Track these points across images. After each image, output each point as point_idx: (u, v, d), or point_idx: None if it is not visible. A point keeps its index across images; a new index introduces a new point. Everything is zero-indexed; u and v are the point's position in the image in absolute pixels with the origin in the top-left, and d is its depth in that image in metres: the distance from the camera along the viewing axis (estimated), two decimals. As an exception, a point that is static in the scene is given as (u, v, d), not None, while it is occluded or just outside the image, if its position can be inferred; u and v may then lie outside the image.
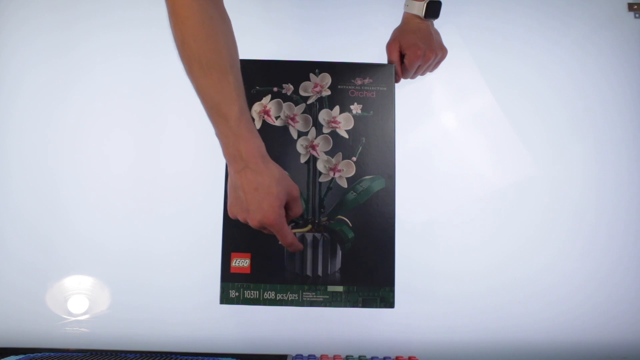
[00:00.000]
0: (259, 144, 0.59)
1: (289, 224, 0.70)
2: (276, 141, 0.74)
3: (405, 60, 0.74)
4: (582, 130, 0.82)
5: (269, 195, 0.58)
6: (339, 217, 0.73)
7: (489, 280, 0.77)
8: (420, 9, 0.74)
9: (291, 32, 0.83)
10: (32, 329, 0.75)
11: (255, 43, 0.81)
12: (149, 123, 0.81)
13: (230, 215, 0.62)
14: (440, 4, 0.74)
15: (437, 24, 0.78)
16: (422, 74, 0.77)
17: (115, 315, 0.76)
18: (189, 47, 0.56)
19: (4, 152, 0.80)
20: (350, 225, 0.72)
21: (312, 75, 0.76)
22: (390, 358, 0.70)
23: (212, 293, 0.73)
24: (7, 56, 0.83)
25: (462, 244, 0.78)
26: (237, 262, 0.71)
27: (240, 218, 0.61)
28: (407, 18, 0.76)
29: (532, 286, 0.77)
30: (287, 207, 0.62)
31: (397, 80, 0.76)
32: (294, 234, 0.71)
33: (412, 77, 0.77)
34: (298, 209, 0.63)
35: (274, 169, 0.60)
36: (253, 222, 0.60)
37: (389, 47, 0.76)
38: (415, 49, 0.73)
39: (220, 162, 0.76)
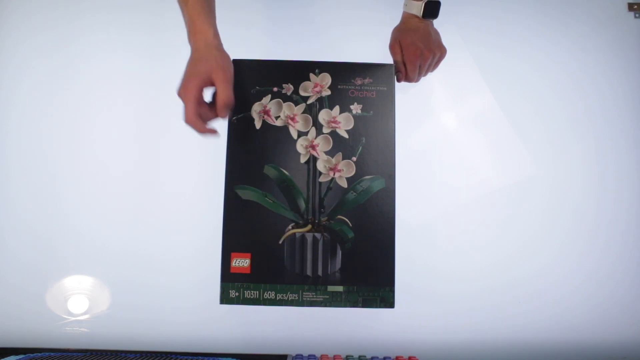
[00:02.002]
0: (205, 28, 0.66)
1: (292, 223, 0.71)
2: (276, 141, 0.74)
3: (405, 59, 0.74)
4: (582, 130, 0.82)
5: (190, 71, 0.64)
6: (339, 217, 0.73)
7: (489, 280, 0.77)
8: (418, 8, 0.75)
9: (291, 32, 0.83)
10: (32, 329, 0.75)
11: (256, 43, 0.81)
12: (149, 122, 0.81)
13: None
14: (439, 3, 0.74)
15: (437, 23, 0.78)
16: (424, 74, 0.77)
17: (115, 315, 0.76)
18: None
19: (4, 152, 0.80)
20: (350, 225, 0.72)
21: (312, 75, 0.76)
22: (390, 358, 0.70)
23: (212, 293, 0.73)
24: (6, 56, 0.82)
25: (462, 244, 0.78)
26: (237, 262, 0.71)
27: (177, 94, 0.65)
28: (406, 18, 0.77)
29: (532, 286, 0.77)
30: (216, 88, 0.65)
31: (399, 80, 0.76)
32: (294, 234, 0.72)
33: (417, 79, 0.77)
34: (223, 93, 0.65)
35: (211, 51, 0.65)
36: (177, 93, 0.64)
37: (392, 48, 0.76)
38: (414, 48, 0.74)
39: (221, 161, 0.76)
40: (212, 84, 0.64)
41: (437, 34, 0.78)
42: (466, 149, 0.81)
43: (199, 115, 0.63)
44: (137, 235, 0.78)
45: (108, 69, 0.82)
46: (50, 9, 0.84)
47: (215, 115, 0.65)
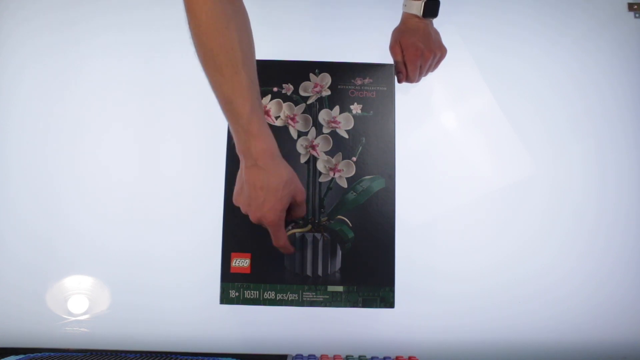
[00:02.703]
0: (269, 143, 0.59)
1: (289, 223, 0.70)
2: (276, 141, 0.74)
3: (406, 60, 0.74)
4: (582, 130, 0.82)
5: (273, 196, 0.58)
6: (339, 217, 0.73)
7: (489, 280, 0.77)
8: (418, 8, 0.74)
9: (291, 32, 0.83)
10: (32, 329, 0.75)
11: (255, 43, 0.81)
12: (149, 122, 0.81)
13: (234, 202, 0.62)
14: (438, 2, 0.74)
15: (437, 23, 0.78)
16: (425, 74, 0.77)
17: (115, 315, 0.76)
18: (202, 44, 0.56)
19: (4, 151, 0.80)
20: (350, 225, 0.72)
21: (312, 75, 0.76)
22: (390, 358, 0.70)
23: (212, 293, 0.73)
24: (6, 57, 0.83)
25: (462, 244, 0.78)
26: (237, 262, 0.71)
27: (242, 209, 0.61)
28: (406, 18, 0.76)
29: (532, 286, 0.77)
30: (290, 208, 0.62)
31: (400, 80, 0.76)
32: (294, 234, 0.71)
33: (417, 80, 0.77)
34: (301, 211, 0.64)
35: (283, 170, 0.59)
36: (252, 217, 0.60)
37: (392, 49, 0.76)
38: (414, 48, 0.73)
39: (221, 161, 0.76)
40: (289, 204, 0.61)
41: (437, 33, 0.77)
42: (466, 149, 0.81)
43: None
44: (137, 235, 0.78)
45: (108, 71, 0.82)
46: (50, 11, 0.84)
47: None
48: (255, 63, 0.60)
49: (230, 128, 0.60)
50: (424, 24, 0.75)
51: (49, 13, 0.84)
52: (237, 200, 0.62)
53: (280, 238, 0.61)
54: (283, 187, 0.58)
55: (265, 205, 0.58)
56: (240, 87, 0.56)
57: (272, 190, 0.58)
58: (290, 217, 0.63)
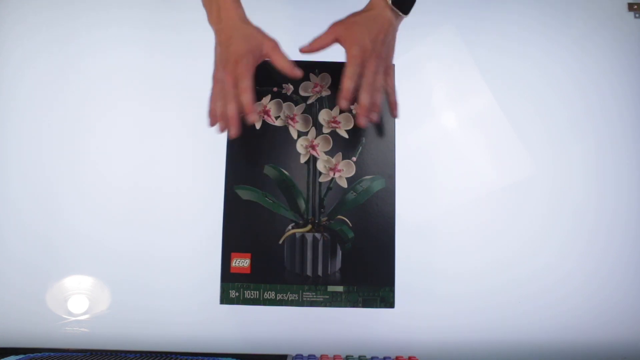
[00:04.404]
0: (237, 8, 0.63)
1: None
2: (276, 141, 0.74)
3: (346, 58, 0.63)
4: (582, 130, 0.82)
5: (239, 43, 0.61)
6: (339, 217, 0.73)
7: (489, 280, 0.77)
8: None
9: (291, 32, 0.83)
10: (32, 329, 0.75)
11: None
12: (149, 122, 0.81)
13: (214, 79, 0.65)
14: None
15: (437, 23, 0.77)
16: (365, 90, 0.63)
17: (115, 315, 0.76)
18: None
19: (4, 152, 0.80)
20: (350, 225, 0.72)
21: (312, 75, 0.76)
22: (390, 358, 0.70)
23: (212, 293, 0.73)
24: (6, 55, 0.82)
25: (462, 243, 0.78)
26: (237, 262, 0.71)
27: (219, 76, 0.64)
28: (371, 5, 0.64)
29: (532, 286, 0.77)
30: (270, 59, 0.64)
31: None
32: (294, 234, 0.71)
33: (347, 97, 0.63)
34: (279, 58, 0.63)
35: (248, 25, 0.63)
36: (222, 72, 0.63)
37: (324, 35, 0.64)
38: (360, 47, 0.61)
39: (221, 161, 0.76)
40: (263, 59, 0.63)
41: (394, 40, 0.66)
42: (466, 149, 0.81)
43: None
44: (137, 235, 0.78)
45: (108, 68, 0.82)
46: (49, 7, 0.84)
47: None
48: None
49: (202, 1, 0.64)
50: (389, 18, 0.63)
51: (47, 9, 0.84)
52: (215, 75, 0.64)
53: (248, 90, 0.61)
54: (244, 40, 0.62)
55: (234, 53, 0.61)
56: None
57: (238, 38, 0.61)
58: (277, 67, 0.63)
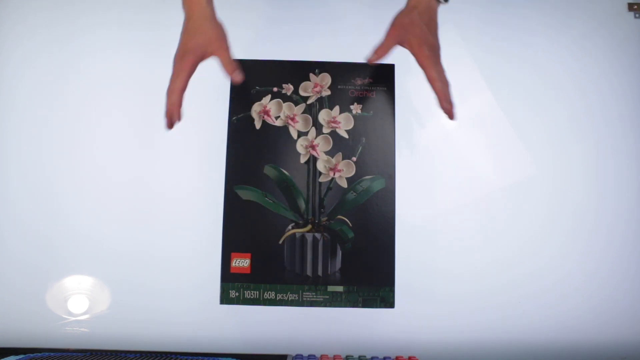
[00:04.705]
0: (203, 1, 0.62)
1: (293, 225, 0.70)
2: (276, 141, 0.74)
3: (420, 61, 0.63)
4: (582, 130, 0.82)
5: (187, 38, 0.61)
6: (339, 217, 0.73)
7: (489, 280, 0.77)
8: None
9: (291, 32, 0.83)
10: (32, 329, 0.75)
11: (255, 43, 0.81)
12: (149, 122, 0.81)
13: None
14: None
15: (437, 22, 0.77)
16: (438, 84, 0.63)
17: (115, 315, 0.76)
18: None
19: (4, 152, 0.80)
20: (350, 225, 0.72)
21: (312, 75, 0.76)
22: (390, 358, 0.70)
23: (212, 293, 0.73)
24: (6, 55, 0.83)
25: (462, 243, 0.78)
26: (237, 262, 0.71)
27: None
28: None
29: (532, 286, 0.77)
30: (217, 58, 0.62)
31: (370, 60, 0.65)
32: (294, 234, 0.71)
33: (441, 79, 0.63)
34: (224, 58, 0.62)
35: (206, 19, 0.62)
36: (172, 68, 0.62)
37: (387, 40, 0.64)
38: (428, 46, 0.62)
39: (221, 162, 0.76)
40: (207, 56, 0.62)
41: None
42: (466, 149, 0.81)
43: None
44: (137, 235, 0.78)
45: (108, 68, 0.82)
46: (49, 7, 0.84)
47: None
48: None
49: None
50: (434, 8, 0.64)
51: (47, 9, 0.84)
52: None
53: (175, 80, 0.61)
54: (193, 35, 0.61)
55: (177, 55, 0.61)
56: None
57: (184, 39, 0.61)
58: (227, 71, 0.62)
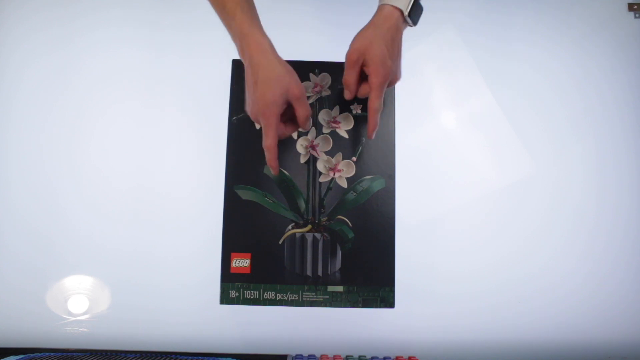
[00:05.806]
0: (261, 40, 0.60)
1: (294, 224, 0.70)
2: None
3: (370, 81, 0.61)
4: (582, 130, 0.82)
5: (265, 90, 0.58)
6: (339, 217, 0.73)
7: (489, 280, 0.77)
8: (405, 2, 0.61)
9: (291, 32, 0.83)
10: (32, 329, 0.75)
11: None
12: (149, 122, 0.81)
13: (248, 114, 0.63)
14: (422, 10, 0.64)
15: (436, 22, 0.77)
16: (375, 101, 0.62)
17: (115, 315, 0.76)
18: None
19: (4, 151, 0.80)
20: (350, 225, 0.72)
21: (312, 75, 0.76)
22: (390, 358, 0.70)
23: (212, 293, 0.73)
24: (6, 54, 0.83)
25: (462, 243, 0.78)
26: (237, 262, 0.71)
27: (251, 116, 0.62)
28: (384, 16, 0.62)
29: (532, 286, 0.77)
30: (293, 107, 0.61)
31: (347, 97, 0.65)
32: (294, 234, 0.71)
33: (377, 107, 0.62)
34: (303, 109, 0.61)
35: (277, 64, 0.59)
36: (252, 116, 0.61)
37: (349, 58, 0.62)
38: (383, 71, 0.60)
39: (221, 162, 0.76)
40: (288, 103, 0.60)
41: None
42: (466, 148, 0.81)
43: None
44: (137, 235, 0.78)
45: (109, 68, 0.82)
46: (49, 7, 0.84)
47: (285, 132, 0.62)
48: None
49: (230, 35, 0.62)
50: (400, 30, 0.62)
51: (48, 9, 0.84)
52: (247, 109, 0.62)
53: (268, 136, 0.59)
54: (270, 85, 0.58)
55: (259, 100, 0.59)
56: None
57: (263, 84, 0.58)
58: (298, 118, 0.61)
